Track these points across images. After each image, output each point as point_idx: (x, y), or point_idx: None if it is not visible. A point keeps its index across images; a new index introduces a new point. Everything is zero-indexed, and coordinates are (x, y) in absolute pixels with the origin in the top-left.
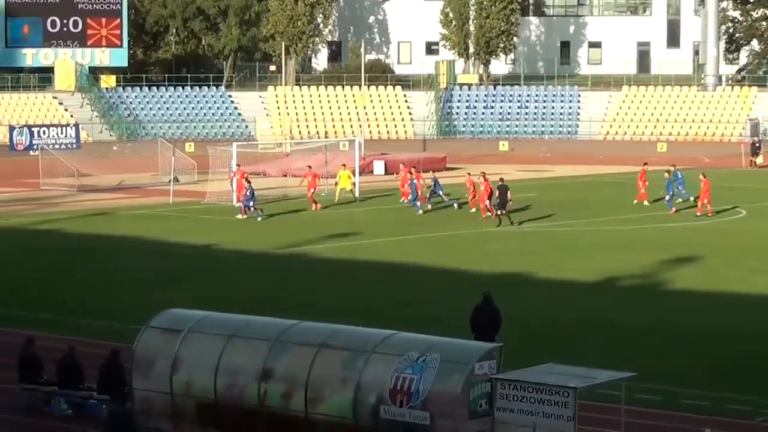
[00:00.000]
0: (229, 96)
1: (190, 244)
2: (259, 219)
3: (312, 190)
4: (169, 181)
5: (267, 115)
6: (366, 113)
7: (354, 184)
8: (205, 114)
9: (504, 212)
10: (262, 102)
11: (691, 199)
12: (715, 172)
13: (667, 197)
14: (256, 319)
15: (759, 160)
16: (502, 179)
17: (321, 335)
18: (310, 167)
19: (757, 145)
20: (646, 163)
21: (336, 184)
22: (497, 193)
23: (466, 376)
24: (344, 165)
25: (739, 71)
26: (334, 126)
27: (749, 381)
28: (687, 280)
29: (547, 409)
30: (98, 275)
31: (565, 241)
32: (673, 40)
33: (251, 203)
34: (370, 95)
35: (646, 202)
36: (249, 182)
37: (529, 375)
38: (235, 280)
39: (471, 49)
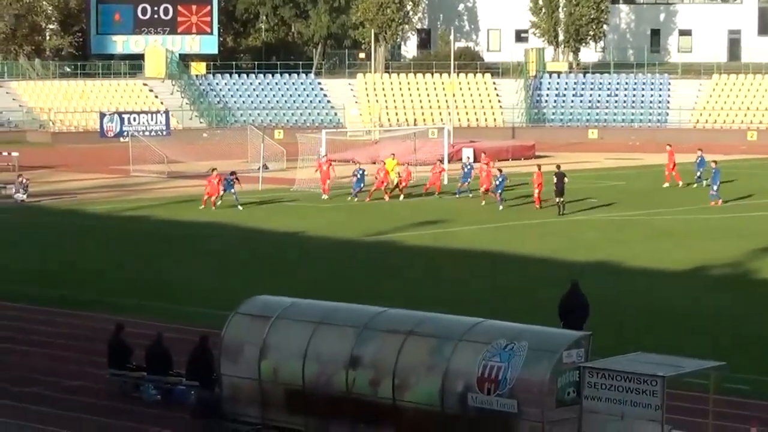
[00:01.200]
0: (319, 83)
1: (278, 231)
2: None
3: (385, 183)
4: (259, 168)
5: (356, 102)
6: (455, 101)
7: (399, 174)
8: (294, 101)
9: (561, 200)
10: (351, 89)
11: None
12: None
13: (713, 189)
14: (343, 306)
15: None
16: (558, 166)
17: (409, 323)
18: (391, 156)
19: None
20: (669, 145)
21: (391, 170)
22: (554, 180)
23: (554, 364)
24: (393, 154)
25: None
26: (423, 113)
27: None
28: None
29: (635, 397)
30: (187, 261)
31: (656, 229)
32: (765, 27)
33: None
34: (459, 83)
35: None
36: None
37: (618, 363)
38: (323, 267)
39: (560, 37)
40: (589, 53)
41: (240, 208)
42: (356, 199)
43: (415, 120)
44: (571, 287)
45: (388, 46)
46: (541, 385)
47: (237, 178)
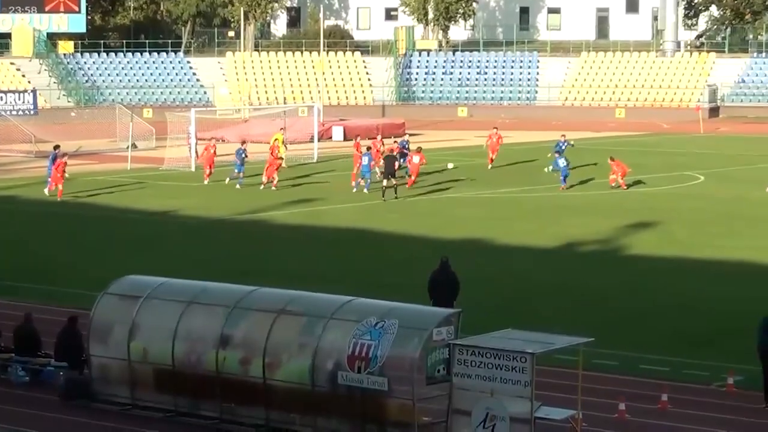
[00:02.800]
0: (188, 62)
1: (149, 211)
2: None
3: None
4: (127, 147)
5: (225, 81)
6: (325, 79)
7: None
8: (163, 80)
9: (395, 183)
10: (221, 68)
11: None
12: (672, 137)
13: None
14: (214, 286)
15: None
16: (391, 150)
17: (279, 301)
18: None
19: None
20: (495, 128)
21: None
22: (382, 162)
23: (424, 341)
24: (282, 128)
25: (698, 37)
26: (293, 92)
27: (710, 346)
28: (648, 245)
29: (504, 374)
30: (55, 241)
31: (528, 206)
32: (632, 5)
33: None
34: (329, 61)
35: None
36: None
37: (487, 341)
38: (195, 246)
39: (430, 15)
40: (459, 31)
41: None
42: (238, 185)
43: (285, 98)
44: (441, 264)
45: (258, 24)
46: (411, 362)
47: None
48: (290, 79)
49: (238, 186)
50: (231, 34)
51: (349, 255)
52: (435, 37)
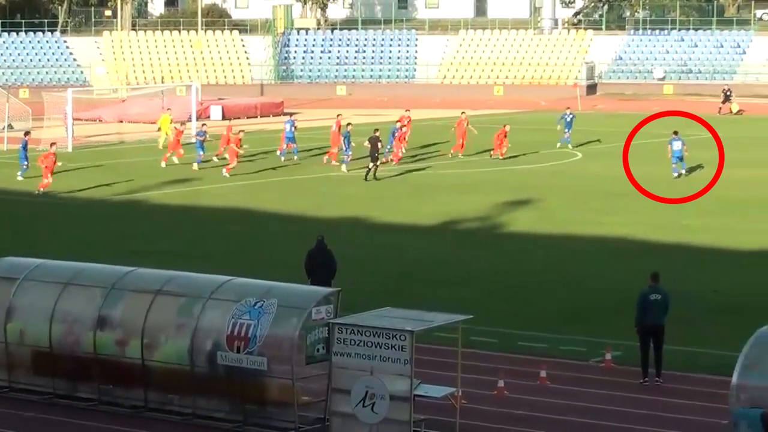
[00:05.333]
0: (65, 41)
1: (24, 191)
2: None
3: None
4: (3, 128)
5: (103, 60)
6: (203, 58)
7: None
8: (39, 60)
9: (375, 165)
10: (98, 47)
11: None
12: (550, 115)
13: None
14: (92, 267)
15: (734, 107)
16: (376, 130)
17: (157, 282)
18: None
19: (728, 93)
20: (463, 112)
21: (159, 129)
22: (367, 144)
23: (303, 321)
24: (168, 109)
25: (576, 14)
26: (171, 71)
27: (587, 322)
28: (527, 221)
29: (384, 352)
30: None
31: (409, 185)
32: None
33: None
34: (207, 40)
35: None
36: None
37: (366, 319)
38: (73, 227)
39: None
40: (337, 9)
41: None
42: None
43: (162, 78)
44: (317, 243)
45: (135, 4)
46: (291, 342)
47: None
48: (168, 59)
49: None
50: (108, 13)
51: (228, 234)
52: (313, 15)
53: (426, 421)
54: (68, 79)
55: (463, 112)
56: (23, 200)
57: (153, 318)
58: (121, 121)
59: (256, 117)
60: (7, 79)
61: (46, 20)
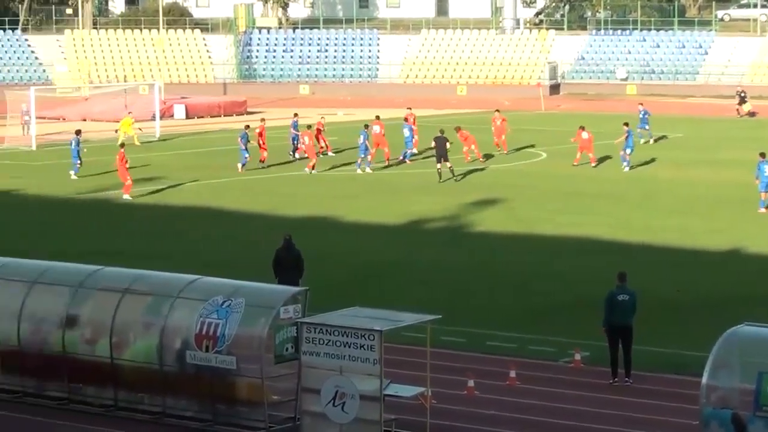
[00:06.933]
0: (26, 40)
1: None
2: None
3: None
4: None
5: (65, 59)
6: (165, 57)
7: (140, 129)
8: (1, 58)
9: (449, 165)
10: (60, 46)
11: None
12: (514, 114)
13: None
14: (59, 266)
15: (746, 107)
16: (441, 131)
17: (125, 281)
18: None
19: (743, 95)
20: (497, 110)
21: (116, 130)
22: (434, 144)
23: (271, 320)
24: (130, 112)
25: (537, 15)
26: (133, 70)
27: (555, 322)
28: (492, 222)
29: (353, 352)
30: None
31: (376, 183)
32: None
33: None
34: (169, 39)
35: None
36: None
37: (335, 318)
38: (38, 225)
39: None
40: (298, 9)
41: None
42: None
43: (125, 77)
44: (284, 242)
45: (95, 2)
46: (259, 341)
47: None
48: (130, 57)
49: (363, 169)
50: (69, 11)
51: (194, 234)
52: (274, 14)
53: (396, 420)
54: (30, 77)
55: (497, 110)
56: None
57: (121, 317)
58: (84, 120)
59: (220, 116)
60: None
61: (6, 18)
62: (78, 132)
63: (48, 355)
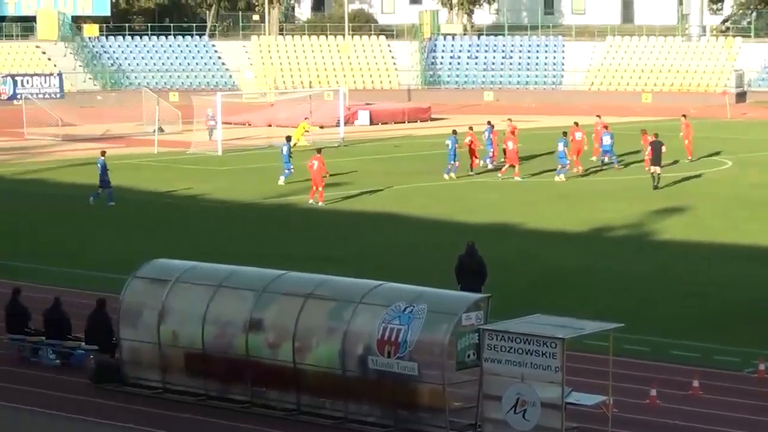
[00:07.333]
0: (213, 46)
1: (176, 194)
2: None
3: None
4: (154, 131)
5: (250, 64)
6: (350, 63)
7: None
8: (188, 64)
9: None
10: (246, 52)
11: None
12: (699, 122)
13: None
14: (243, 270)
15: None
16: (656, 134)
17: (308, 285)
18: (471, 128)
19: None
20: (684, 115)
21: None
22: (649, 149)
23: (453, 326)
24: (306, 117)
25: (724, 21)
26: (318, 76)
27: (739, 332)
28: (677, 230)
29: (534, 359)
30: (85, 225)
31: (557, 191)
32: None
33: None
34: (354, 45)
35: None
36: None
37: (517, 326)
38: (223, 230)
39: None
40: (483, 15)
41: None
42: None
43: (310, 83)
44: (467, 249)
45: (282, 8)
46: (441, 347)
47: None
48: (315, 63)
49: (450, 175)
50: (255, 17)
51: (377, 239)
52: (459, 21)
53: (577, 429)
54: (217, 83)
55: (683, 115)
56: (172, 203)
57: (304, 321)
58: (270, 125)
59: (404, 122)
60: (157, 83)
61: (194, 24)
62: (288, 138)
63: (232, 358)
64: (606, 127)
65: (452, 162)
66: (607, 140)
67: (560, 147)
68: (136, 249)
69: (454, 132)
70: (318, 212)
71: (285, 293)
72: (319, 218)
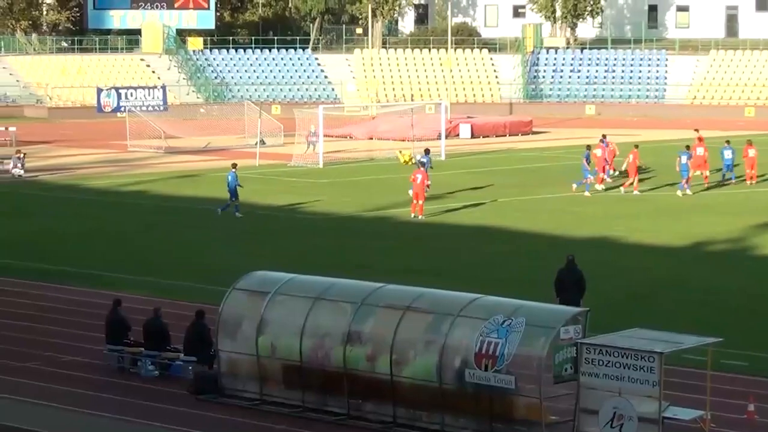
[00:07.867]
0: (316, 59)
1: (276, 206)
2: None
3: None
4: (256, 143)
5: (353, 78)
6: (452, 76)
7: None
8: (291, 77)
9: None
10: (349, 65)
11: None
12: None
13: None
14: (341, 282)
15: None
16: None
17: (406, 298)
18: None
19: None
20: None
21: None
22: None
23: (551, 340)
24: (400, 151)
25: None
26: (420, 89)
27: None
28: None
29: (632, 374)
30: (186, 237)
31: (658, 204)
32: (762, 3)
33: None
34: (457, 58)
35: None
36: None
37: (615, 340)
38: (322, 242)
39: (558, 12)
40: (587, 29)
41: None
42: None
43: (412, 96)
44: (567, 263)
45: (385, 22)
46: (539, 361)
47: None
48: (417, 77)
49: (587, 193)
50: (359, 31)
51: (474, 252)
52: (563, 34)
53: None
54: (319, 96)
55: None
56: (273, 215)
57: (402, 334)
58: (371, 138)
59: (505, 136)
60: (259, 96)
61: (298, 38)
62: (588, 147)
63: (329, 370)
64: (701, 139)
65: (589, 177)
66: (728, 155)
67: (683, 160)
68: (235, 261)
69: (588, 147)
70: (418, 225)
71: (383, 306)
72: (420, 231)
